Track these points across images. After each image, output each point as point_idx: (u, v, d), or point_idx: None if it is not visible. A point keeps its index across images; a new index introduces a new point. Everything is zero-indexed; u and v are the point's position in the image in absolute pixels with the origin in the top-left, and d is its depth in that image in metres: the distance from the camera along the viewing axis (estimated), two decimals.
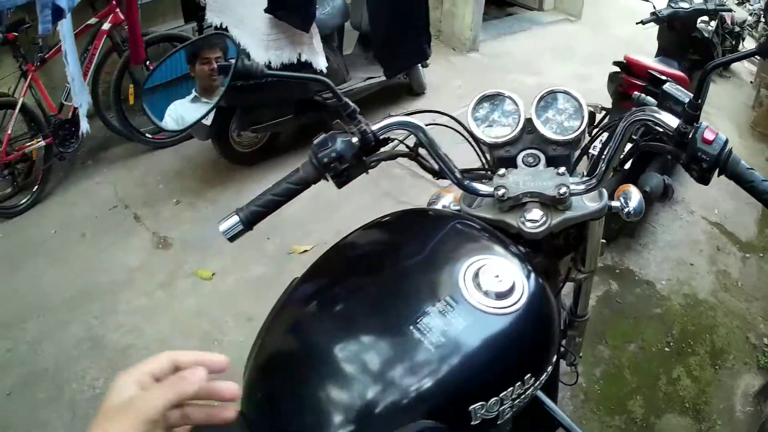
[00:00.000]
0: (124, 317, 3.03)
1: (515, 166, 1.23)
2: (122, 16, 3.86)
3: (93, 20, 3.87)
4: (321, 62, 3.72)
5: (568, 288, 1.58)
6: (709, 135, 1.02)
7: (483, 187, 1.20)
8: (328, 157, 1.06)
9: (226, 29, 3.46)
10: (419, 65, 5.22)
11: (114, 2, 3.89)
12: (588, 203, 1.20)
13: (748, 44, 7.46)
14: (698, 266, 3.72)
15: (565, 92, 1.29)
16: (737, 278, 3.67)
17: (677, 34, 4.05)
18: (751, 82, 6.99)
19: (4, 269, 3.32)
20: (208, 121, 3.62)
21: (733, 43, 6.64)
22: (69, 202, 3.88)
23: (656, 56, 4.13)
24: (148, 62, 4.04)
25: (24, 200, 3.79)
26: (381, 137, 1.15)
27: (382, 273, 1.02)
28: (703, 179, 1.05)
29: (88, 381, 2.66)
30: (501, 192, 1.14)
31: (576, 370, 1.95)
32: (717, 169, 1.03)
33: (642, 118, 1.11)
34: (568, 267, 1.48)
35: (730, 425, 2.78)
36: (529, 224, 1.12)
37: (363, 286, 1.00)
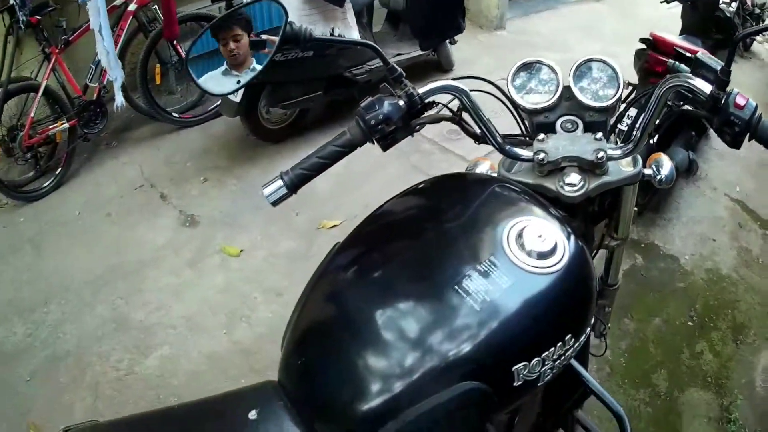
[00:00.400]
0: (150, 295, 3.03)
1: (554, 132, 1.24)
2: None
3: (119, 1, 3.90)
4: (354, 37, 3.75)
5: (599, 257, 1.59)
6: (740, 100, 1.04)
7: (523, 152, 1.22)
8: (375, 119, 1.08)
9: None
10: (447, 42, 5.23)
11: None
12: (623, 169, 1.22)
13: None
14: (720, 242, 3.73)
15: (602, 61, 1.31)
16: (758, 255, 3.68)
17: (700, 14, 4.09)
18: None
19: (27, 252, 3.34)
20: (237, 98, 3.63)
21: (753, 24, 6.60)
22: (94, 183, 3.90)
23: (680, 35, 4.15)
24: (175, 42, 4.10)
25: (47, 183, 3.82)
26: (426, 101, 1.16)
27: (422, 237, 1.04)
28: (735, 143, 1.07)
29: (112, 362, 2.65)
30: (541, 156, 1.16)
31: (605, 341, 1.96)
32: (748, 134, 1.06)
33: (677, 83, 1.12)
34: (602, 234, 1.52)
35: (750, 400, 2.80)
36: (567, 188, 1.15)
37: (403, 251, 1.03)
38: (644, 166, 1.28)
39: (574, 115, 1.28)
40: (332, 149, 1.10)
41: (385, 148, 1.13)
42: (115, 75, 3.65)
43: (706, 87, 1.08)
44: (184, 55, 3.98)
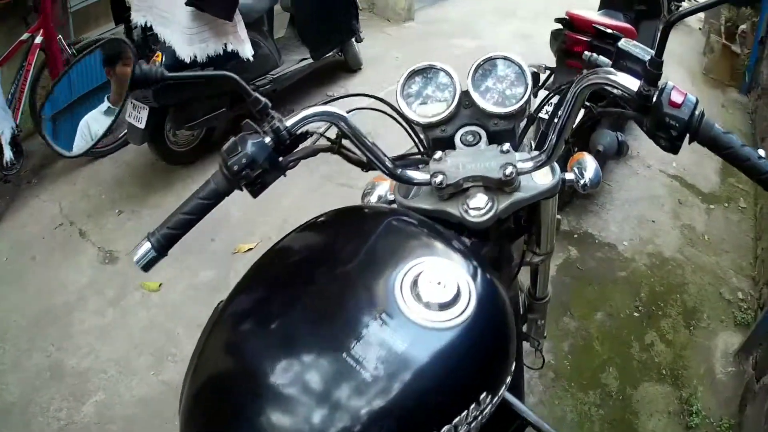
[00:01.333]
0: (80, 339, 2.90)
1: (453, 147, 1.13)
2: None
3: (26, 36, 3.73)
4: (247, 50, 3.58)
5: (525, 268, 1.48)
6: (676, 97, 0.89)
7: (418, 175, 1.08)
8: (238, 164, 0.92)
9: (151, 28, 3.34)
10: (353, 40, 5.12)
11: (45, 15, 3.75)
12: (539, 181, 1.09)
13: None
14: (661, 222, 3.63)
15: (504, 58, 1.18)
16: (703, 231, 3.59)
17: None
18: (700, 28, 6.99)
19: None
20: (141, 124, 3.49)
21: None
22: (19, 225, 3.72)
23: (599, 9, 4.03)
24: None
25: None
26: (298, 132, 1.01)
27: (311, 289, 0.89)
28: (673, 148, 0.93)
29: (52, 412, 2.56)
30: (438, 179, 1.03)
31: (542, 354, 1.83)
32: (687, 135, 0.91)
33: (596, 81, 0.98)
34: (522, 250, 1.39)
35: (712, 389, 2.68)
36: (473, 212, 1.02)
37: (291, 305, 0.87)
38: (565, 170, 1.15)
39: (476, 124, 1.15)
40: (197, 203, 0.95)
41: (255, 195, 0.98)
42: (2, 128, 3.48)
43: (632, 83, 0.94)
44: None
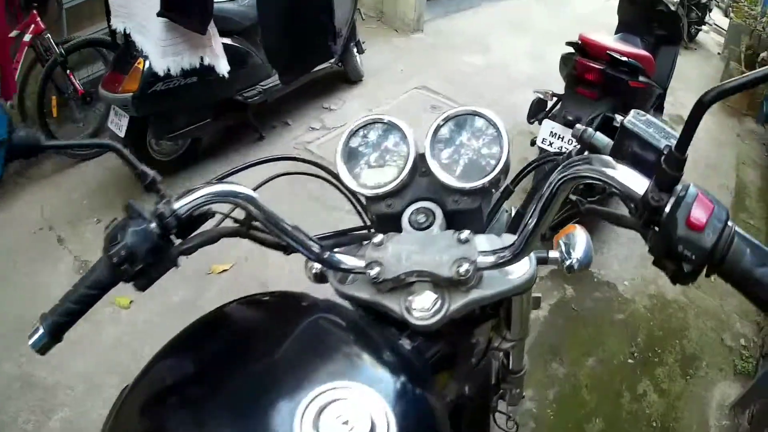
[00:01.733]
0: (50, 352, 2.76)
1: (399, 229, 0.92)
2: (43, 25, 3.75)
3: (14, 33, 3.69)
4: (222, 66, 3.39)
5: None
6: (699, 214, 0.63)
7: (352, 261, 0.88)
8: (118, 257, 0.77)
9: (129, 35, 3.21)
10: (354, 50, 4.95)
11: (34, 12, 3.71)
12: (508, 275, 0.89)
13: (715, 16, 7.20)
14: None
15: (475, 113, 0.97)
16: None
17: (640, 7, 3.76)
18: (719, 53, 6.80)
19: None
20: (121, 133, 3.39)
21: (699, 15, 6.38)
22: (2, 227, 3.66)
23: (616, 32, 3.83)
24: (69, 71, 3.87)
25: None
26: (195, 214, 0.84)
27: (208, 393, 0.73)
28: (682, 280, 0.66)
29: (20, 424, 2.51)
30: (374, 271, 0.83)
31: (516, 422, 1.65)
32: (707, 266, 0.65)
33: (585, 175, 0.74)
34: (488, 336, 1.18)
35: None
36: (417, 314, 0.83)
37: (184, 407, 0.72)
38: (550, 246, 1.01)
39: (431, 200, 0.94)
40: (83, 293, 0.81)
41: (141, 289, 0.82)
42: None
43: (637, 184, 0.69)
44: (77, 85, 3.88)
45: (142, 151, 3.66)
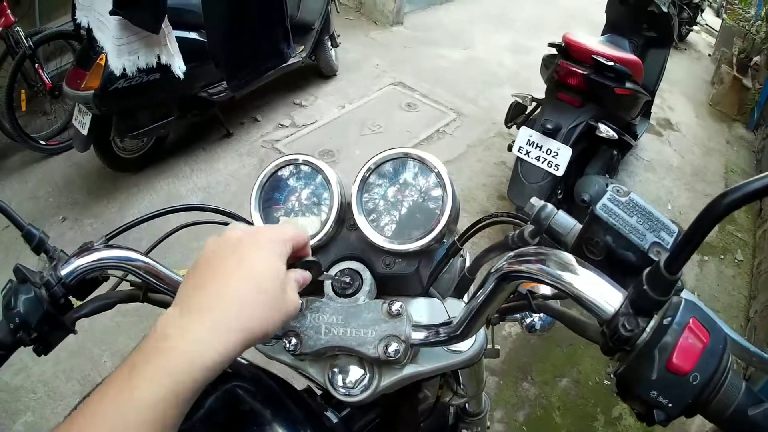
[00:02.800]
0: (14, 354, 2.70)
1: (321, 294, 0.80)
2: (13, 18, 3.65)
3: None
4: (177, 66, 3.23)
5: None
6: (686, 355, 0.48)
7: None
8: (13, 323, 0.72)
9: (90, 30, 3.06)
10: (328, 44, 4.82)
11: (5, 4, 3.62)
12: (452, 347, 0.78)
13: (707, 16, 7.09)
14: None
15: (409, 156, 0.83)
16: (693, 287, 3.28)
17: (630, 8, 3.59)
18: (710, 55, 6.70)
19: None
20: (84, 130, 3.28)
21: (691, 15, 6.25)
22: None
23: (603, 33, 3.69)
24: (37, 65, 3.77)
25: None
26: (90, 277, 0.78)
27: None
28: (651, 424, 0.51)
29: None
30: (291, 343, 0.74)
31: None
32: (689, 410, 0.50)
33: (535, 277, 0.59)
34: (437, 388, 1.08)
35: None
36: (341, 389, 0.76)
37: None
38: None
39: (358, 259, 0.83)
40: None
41: (40, 354, 0.76)
42: None
43: (605, 297, 0.54)
44: (45, 79, 3.78)
45: (106, 150, 3.59)
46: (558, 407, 2.55)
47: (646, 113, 3.78)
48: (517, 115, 3.22)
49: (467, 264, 1.08)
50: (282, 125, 4.46)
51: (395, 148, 0.84)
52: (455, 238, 0.90)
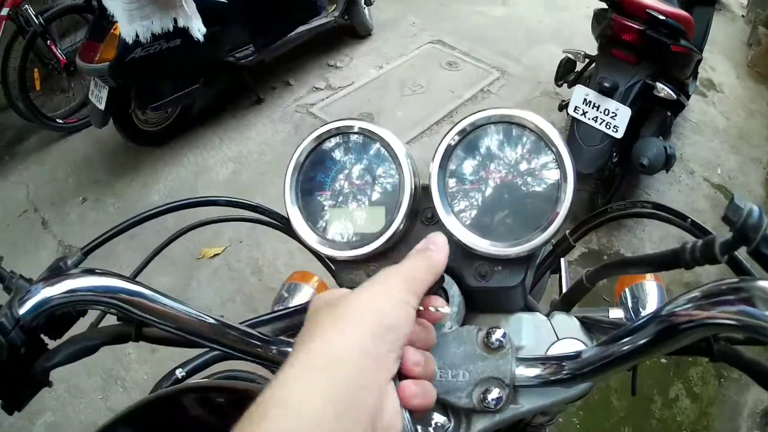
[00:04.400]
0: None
1: None
2: None
3: None
4: (196, 28, 3.06)
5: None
6: None
7: None
8: None
9: (99, 0, 2.88)
10: (362, 2, 4.62)
11: None
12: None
13: None
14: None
15: (513, 120, 0.63)
16: (746, 257, 3.06)
17: None
18: (743, 15, 6.44)
19: None
20: (101, 105, 3.14)
21: None
22: None
23: None
24: (49, 42, 3.72)
25: None
26: (61, 313, 0.57)
27: None
28: None
29: (6, 427, 2.43)
30: None
31: None
32: None
33: (736, 324, 0.41)
34: None
35: None
36: None
37: None
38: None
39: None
40: None
41: (10, 412, 0.58)
42: None
43: None
44: (59, 55, 3.69)
45: (127, 124, 3.46)
46: (615, 389, 2.40)
47: (695, 73, 3.57)
48: (567, 72, 3.04)
49: (563, 263, 0.90)
50: (316, 88, 4.30)
51: (491, 108, 0.63)
52: (566, 232, 0.72)
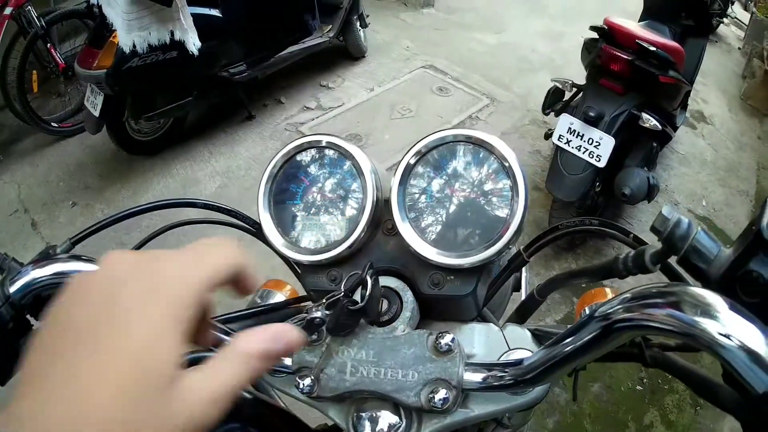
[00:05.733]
0: None
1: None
2: None
3: None
4: (191, 42, 3.11)
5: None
6: None
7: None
8: None
9: (100, 8, 2.92)
10: (357, 24, 4.67)
11: None
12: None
13: (737, 8, 6.89)
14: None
15: (469, 140, 0.66)
16: None
17: None
18: (739, 48, 6.51)
19: None
20: (96, 111, 3.16)
21: (722, 6, 6.01)
22: None
23: (641, 20, 3.50)
24: (49, 45, 3.73)
25: None
26: (47, 294, 0.61)
27: None
28: None
29: None
30: (305, 383, 0.61)
31: None
32: None
33: (663, 327, 0.43)
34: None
35: None
36: None
37: None
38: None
39: (398, 274, 0.67)
40: None
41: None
42: None
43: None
44: (58, 59, 3.71)
45: (120, 132, 3.49)
46: (589, 414, 2.40)
47: (684, 105, 3.61)
48: (555, 101, 3.06)
49: (524, 280, 0.93)
50: (307, 107, 4.33)
51: (447, 129, 0.67)
52: (521, 248, 0.75)
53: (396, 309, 0.63)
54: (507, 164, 0.63)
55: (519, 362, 0.55)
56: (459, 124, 4.13)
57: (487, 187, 0.64)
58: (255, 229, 0.81)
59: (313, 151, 0.72)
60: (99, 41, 3.00)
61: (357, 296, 0.58)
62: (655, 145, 2.96)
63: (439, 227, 0.64)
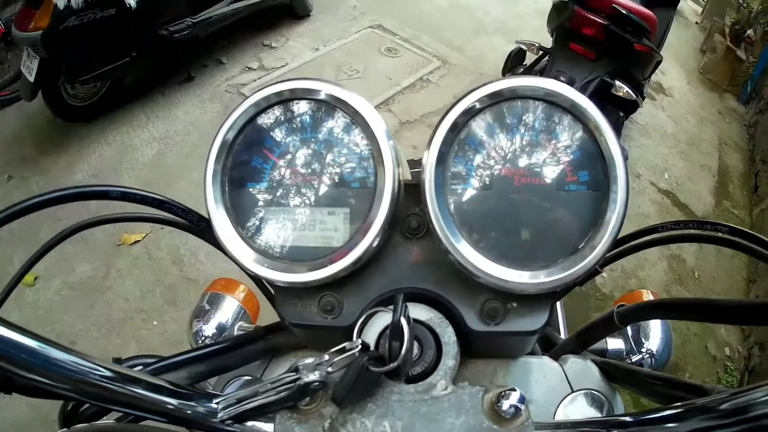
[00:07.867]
0: None
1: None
2: None
3: None
4: None
5: None
6: None
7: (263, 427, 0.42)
8: None
9: None
10: None
11: None
12: None
13: None
14: (647, 251, 3.06)
15: (549, 98, 0.46)
16: (693, 266, 3.02)
17: None
18: (697, 23, 6.52)
19: None
20: (31, 77, 2.96)
21: None
22: None
23: None
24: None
25: None
26: None
27: None
28: None
29: None
30: None
31: None
32: None
33: None
34: None
35: None
36: None
37: None
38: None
39: (430, 300, 0.47)
40: None
41: None
42: None
43: None
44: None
45: (55, 98, 3.31)
46: None
47: (650, 75, 3.53)
48: (515, 65, 2.94)
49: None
50: (249, 68, 4.17)
51: (515, 77, 0.45)
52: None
53: (431, 356, 0.44)
54: (603, 138, 0.45)
55: (604, 422, 0.40)
56: (409, 86, 4.01)
57: (570, 169, 0.45)
58: (200, 228, 0.57)
59: (284, 108, 0.48)
60: (36, 1, 2.79)
61: (375, 342, 0.40)
62: (621, 114, 2.87)
63: (498, 229, 0.44)
